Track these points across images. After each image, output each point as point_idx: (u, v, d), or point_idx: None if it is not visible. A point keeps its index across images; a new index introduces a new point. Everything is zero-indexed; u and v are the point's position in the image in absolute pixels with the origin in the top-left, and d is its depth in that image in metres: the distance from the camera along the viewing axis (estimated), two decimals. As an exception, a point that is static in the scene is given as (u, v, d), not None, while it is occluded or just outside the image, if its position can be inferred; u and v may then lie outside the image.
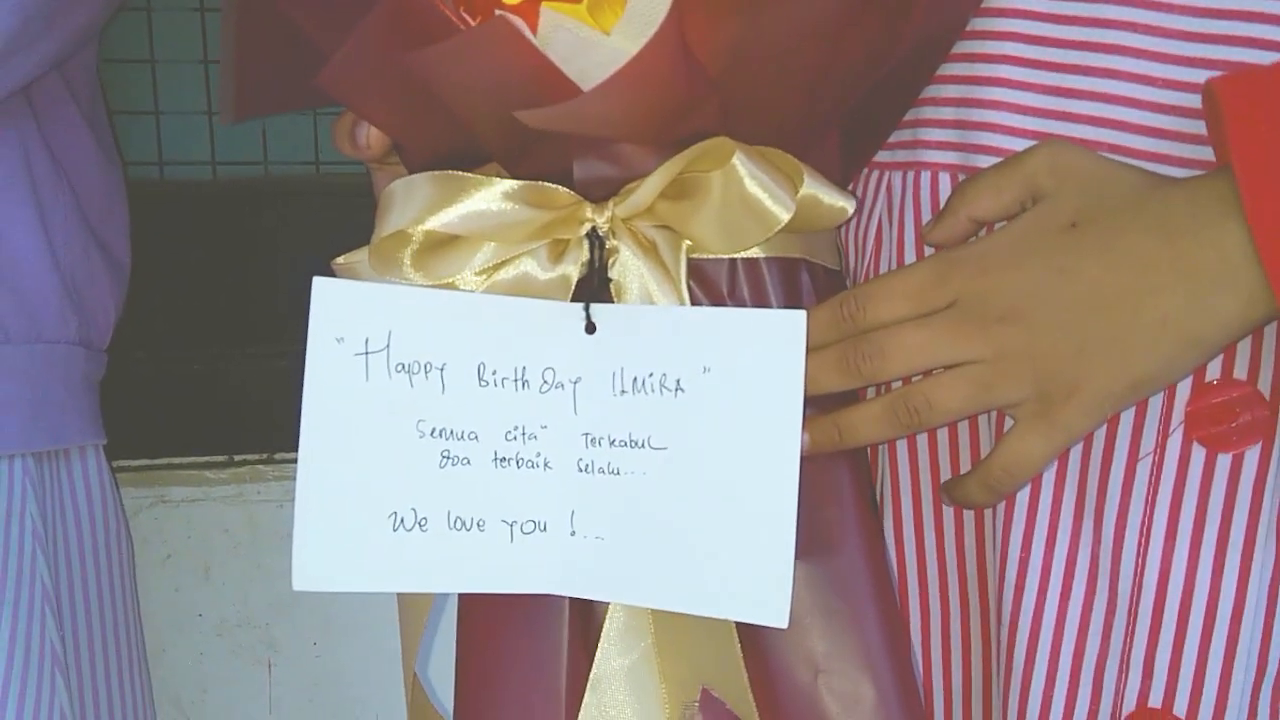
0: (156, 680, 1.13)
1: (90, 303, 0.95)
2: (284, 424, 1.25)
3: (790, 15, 0.54)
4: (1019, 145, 0.62)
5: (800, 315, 0.56)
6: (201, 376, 1.23)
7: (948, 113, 0.65)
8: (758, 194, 0.54)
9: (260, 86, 0.69)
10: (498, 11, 0.56)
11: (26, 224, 0.88)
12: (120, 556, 1.00)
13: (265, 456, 1.26)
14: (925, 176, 0.66)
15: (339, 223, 1.26)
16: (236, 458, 1.26)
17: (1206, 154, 0.58)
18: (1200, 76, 0.57)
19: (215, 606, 1.26)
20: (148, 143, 1.22)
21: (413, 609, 0.69)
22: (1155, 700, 0.62)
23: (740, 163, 0.54)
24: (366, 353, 0.60)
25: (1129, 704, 0.63)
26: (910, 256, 0.67)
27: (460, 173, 0.61)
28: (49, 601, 0.89)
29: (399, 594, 0.71)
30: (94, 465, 0.97)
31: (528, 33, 0.54)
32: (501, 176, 0.62)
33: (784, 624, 0.56)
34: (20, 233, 0.87)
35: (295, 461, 1.23)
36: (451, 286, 0.62)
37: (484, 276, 0.62)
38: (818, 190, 0.57)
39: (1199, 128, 0.57)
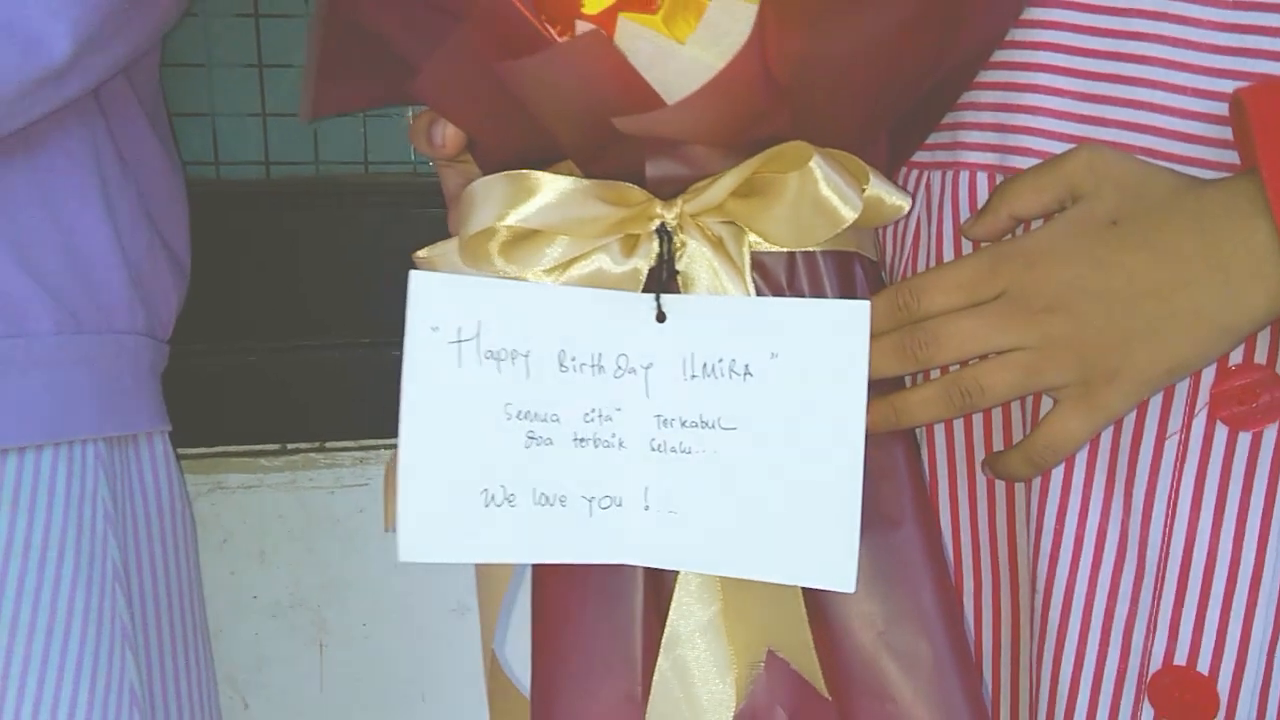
0: (213, 658, 1.17)
1: (154, 295, 0.98)
2: (334, 414, 1.30)
3: (855, 30, 0.58)
4: (1055, 148, 0.66)
5: (864, 305, 0.60)
6: (256, 369, 1.26)
7: (986, 116, 0.69)
8: (829, 195, 0.59)
9: (339, 86, 0.73)
10: (589, 25, 0.61)
11: (96, 220, 0.91)
12: (185, 539, 1.03)
13: (317, 445, 1.30)
14: (964, 176, 0.70)
15: (386, 220, 1.30)
16: (289, 446, 1.29)
17: (1233, 158, 0.62)
18: (1227, 86, 0.61)
19: (269, 589, 1.30)
20: (204, 143, 1.26)
21: (490, 591, 0.74)
22: (1180, 659, 0.66)
23: (817, 166, 0.58)
24: (459, 341, 0.64)
25: (1156, 663, 0.67)
26: (949, 251, 0.71)
27: (540, 172, 0.65)
28: (119, 580, 0.92)
29: (478, 578, 0.75)
30: (160, 451, 1.00)
31: (613, 44, 0.58)
32: (575, 174, 0.66)
33: (852, 588, 0.60)
34: (91, 228, 0.91)
35: (344, 450, 1.27)
36: (533, 279, 0.66)
37: (561, 270, 0.66)
38: (881, 190, 0.61)
39: (1226, 134, 0.62)
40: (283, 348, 1.28)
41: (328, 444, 1.30)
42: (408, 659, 1.36)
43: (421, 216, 1.29)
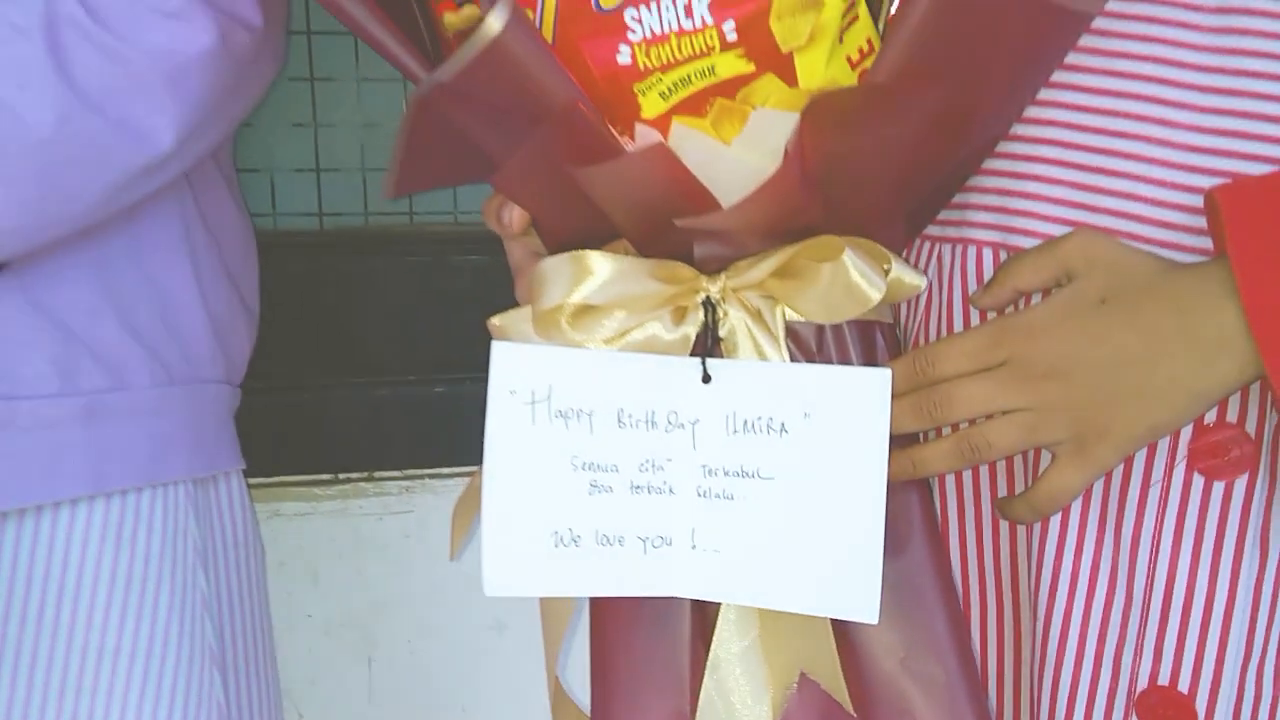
0: (275, 674, 1.24)
1: (232, 346, 1.06)
2: (381, 446, 1.37)
3: (879, 137, 0.66)
4: (1053, 230, 0.74)
5: (886, 373, 0.68)
6: (310, 404, 1.33)
7: (991, 199, 0.77)
8: (859, 281, 0.67)
9: (421, 169, 0.81)
10: (649, 128, 0.69)
11: (185, 281, 0.99)
12: (258, 568, 1.11)
13: (366, 475, 1.37)
14: (971, 251, 0.78)
15: (430, 267, 1.37)
16: (341, 476, 1.37)
17: (1206, 244, 0.70)
18: (1202, 181, 0.69)
19: (322, 608, 1.37)
20: (263, 196, 1.34)
21: (553, 622, 0.81)
22: (1164, 679, 0.74)
23: (849, 258, 0.66)
24: (533, 402, 0.71)
25: (1142, 682, 0.75)
26: (958, 317, 0.79)
27: (601, 253, 0.72)
28: (207, 608, 1.00)
29: (542, 610, 0.83)
30: (236, 487, 1.08)
31: (673, 150, 0.66)
32: (630, 252, 0.74)
33: (875, 620, 0.68)
34: (181, 290, 0.98)
35: (391, 479, 1.35)
36: (595, 346, 0.74)
37: (620, 337, 0.74)
38: (901, 272, 0.69)
39: (1201, 222, 0.70)
40: (334, 385, 1.36)
41: (376, 474, 1.38)
42: (450, 673, 1.43)
43: (463, 264, 1.36)
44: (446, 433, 1.38)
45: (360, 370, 1.36)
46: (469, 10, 0.79)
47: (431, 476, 1.39)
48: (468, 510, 0.88)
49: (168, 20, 0.84)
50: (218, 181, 1.05)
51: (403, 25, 0.79)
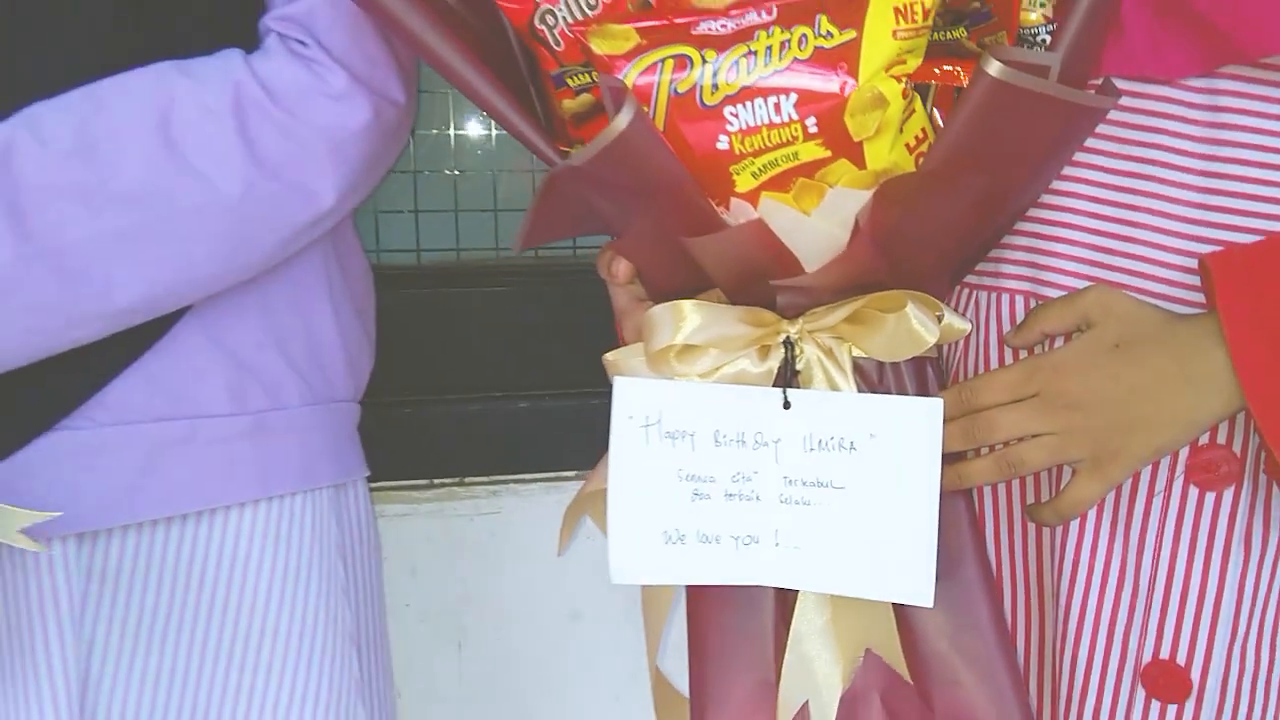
0: (379, 656, 1.37)
1: (359, 369, 1.19)
2: (472, 455, 1.51)
3: (931, 213, 0.79)
4: (1074, 283, 0.87)
5: (939, 402, 0.82)
6: (410, 418, 1.46)
7: (1022, 255, 0.90)
8: (918, 328, 0.80)
9: (546, 228, 0.94)
10: (743, 201, 0.82)
11: (326, 316, 1.11)
12: (378, 560, 1.24)
13: (458, 480, 1.51)
14: (1005, 298, 0.91)
15: (514, 297, 1.51)
16: (436, 481, 1.50)
17: (1201, 298, 0.83)
18: (1198, 248, 0.83)
19: (418, 599, 1.50)
20: (368, 234, 1.47)
21: (654, 618, 0.94)
22: (1164, 654, 0.87)
23: (911, 310, 0.79)
24: (647, 425, 0.85)
25: (1146, 657, 0.88)
26: (994, 354, 0.92)
27: (700, 302, 0.86)
28: (346, 596, 1.13)
29: (644, 609, 0.96)
30: (363, 492, 1.20)
31: (769, 225, 0.79)
32: (722, 300, 0.87)
33: (930, 604, 0.81)
34: (323, 323, 1.11)
35: (480, 484, 1.47)
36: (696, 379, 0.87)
37: (715, 370, 0.87)
38: (951, 319, 0.82)
39: (1197, 282, 0.83)
40: (430, 401, 1.49)
41: (466, 479, 1.51)
42: (531, 657, 1.55)
43: (542, 294, 1.49)
44: (529, 443, 1.51)
45: (452, 388, 1.49)
46: (584, 98, 0.93)
47: (516, 482, 1.52)
48: (575, 514, 1.01)
49: (333, 101, 0.97)
50: (348, 227, 1.18)
51: (520, 97, 0.92)
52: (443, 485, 1.51)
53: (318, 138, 0.97)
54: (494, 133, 1.51)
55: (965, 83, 0.83)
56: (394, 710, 1.24)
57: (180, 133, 0.94)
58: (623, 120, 0.78)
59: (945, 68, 0.83)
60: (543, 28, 0.89)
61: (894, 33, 0.79)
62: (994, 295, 0.92)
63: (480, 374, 1.50)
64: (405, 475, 1.47)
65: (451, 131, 1.47)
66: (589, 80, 0.90)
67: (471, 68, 0.89)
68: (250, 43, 1.00)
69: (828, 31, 0.79)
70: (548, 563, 1.51)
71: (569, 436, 1.51)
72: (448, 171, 1.48)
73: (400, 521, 1.46)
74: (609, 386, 1.38)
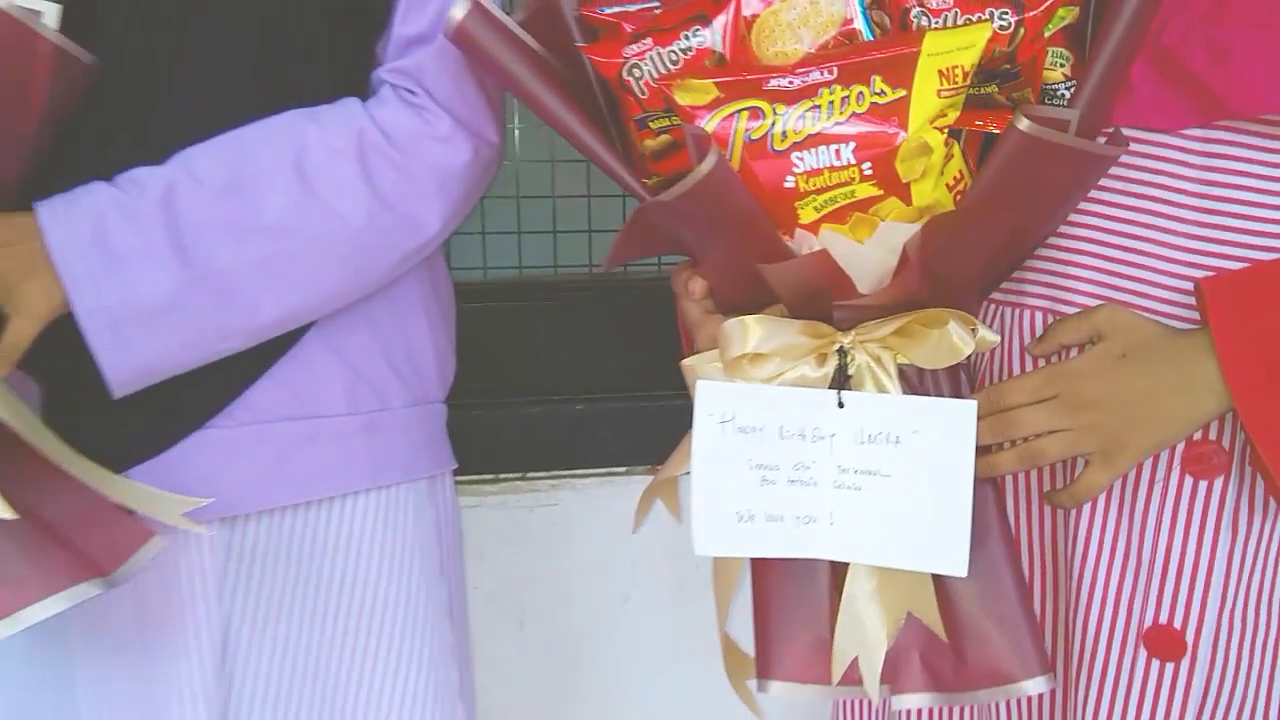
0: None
1: (445, 373, 1.30)
2: (533, 453, 1.63)
3: (967, 244, 0.92)
4: (1087, 300, 0.99)
5: (973, 404, 0.94)
6: (478, 419, 1.58)
7: (1041, 277, 1.02)
8: (957, 342, 0.92)
9: (631, 250, 1.06)
10: (806, 232, 0.94)
11: (422, 327, 1.22)
12: (461, 544, 1.35)
13: (521, 476, 1.63)
14: (1026, 313, 1.03)
15: (572, 309, 1.63)
16: (501, 476, 1.62)
17: (1195, 315, 0.95)
18: (1194, 273, 0.95)
19: (485, 581, 1.62)
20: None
21: (724, 591, 1.05)
22: (1163, 620, 0.99)
23: (953, 328, 0.92)
24: (724, 422, 0.97)
25: (1147, 622, 0.99)
26: (1015, 361, 1.03)
27: (767, 316, 0.97)
28: (440, 573, 1.25)
29: (715, 579, 1.07)
30: (450, 483, 1.31)
31: (833, 256, 0.91)
32: (785, 314, 0.99)
33: (964, 574, 0.94)
34: (420, 333, 1.22)
35: (543, 479, 1.60)
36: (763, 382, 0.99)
37: (779, 375, 0.99)
38: (984, 333, 0.94)
39: (1193, 301, 0.95)
40: (496, 404, 1.61)
41: (529, 475, 1.63)
42: (585, 635, 1.68)
43: (599, 307, 1.62)
44: (585, 442, 1.64)
45: (515, 392, 1.62)
46: (663, 138, 1.05)
47: (572, 477, 1.64)
48: (650, 499, 1.13)
49: (439, 143, 1.10)
50: (438, 251, 1.30)
51: (605, 134, 1.04)
52: (507, 480, 1.62)
53: (427, 174, 1.09)
54: (553, 163, 1.63)
55: (995, 130, 0.95)
56: (473, 676, 1.35)
57: (312, 172, 1.06)
58: (707, 165, 0.90)
59: (979, 121, 0.95)
60: (630, 79, 1.01)
61: (938, 91, 0.91)
62: (1017, 311, 1.04)
63: (540, 380, 1.62)
64: (473, 471, 1.58)
65: (515, 162, 1.58)
66: (668, 123, 1.02)
67: (568, 111, 1.01)
68: (363, 90, 1.13)
69: (881, 90, 0.92)
70: (601, 550, 1.63)
71: (621, 436, 1.63)
72: (511, 198, 1.59)
73: (469, 512, 1.57)
74: (657, 391, 1.51)
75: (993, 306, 1.06)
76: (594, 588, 1.65)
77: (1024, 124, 0.87)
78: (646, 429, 1.60)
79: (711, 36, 0.99)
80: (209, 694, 1.13)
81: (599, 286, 1.65)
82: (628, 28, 1.03)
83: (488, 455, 1.60)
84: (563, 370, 1.62)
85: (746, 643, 1.05)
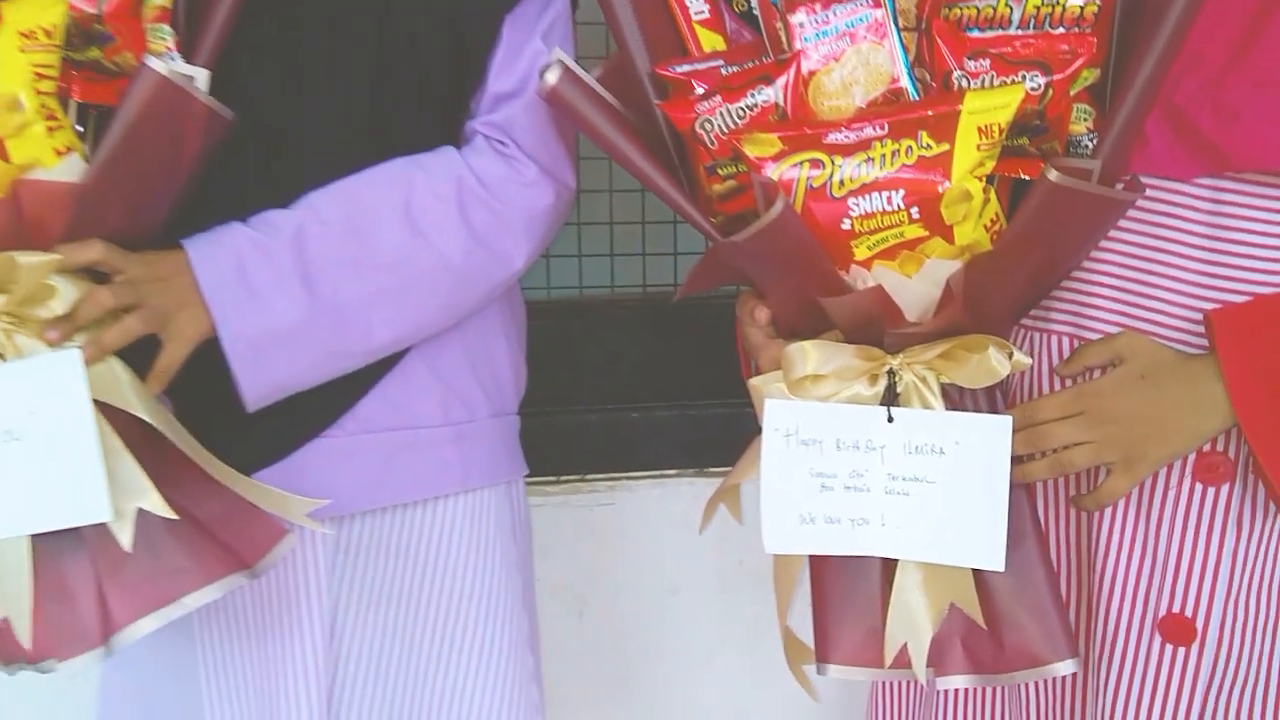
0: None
1: (520, 387, 1.40)
2: (592, 455, 1.73)
3: (1003, 278, 1.02)
4: (1109, 327, 1.09)
5: (1009, 419, 1.04)
6: (542, 426, 1.66)
7: (1067, 304, 1.12)
8: (995, 365, 1.02)
9: (700, 282, 1.16)
10: (860, 268, 1.04)
11: (502, 346, 1.32)
12: (531, 541, 1.46)
13: (580, 477, 1.73)
14: (1053, 338, 1.13)
15: (627, 324, 1.73)
16: (562, 478, 1.72)
17: (1205, 341, 1.06)
18: (1204, 305, 1.05)
19: (548, 574, 1.71)
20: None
21: (785, 589, 1.14)
22: (1175, 609, 1.10)
23: (992, 353, 1.02)
24: (788, 435, 1.07)
25: (1162, 611, 1.10)
26: (1045, 381, 1.13)
27: (825, 341, 1.08)
28: (518, 567, 1.35)
29: (776, 577, 1.16)
30: (522, 486, 1.42)
31: (887, 291, 1.02)
32: (840, 339, 1.09)
33: (1002, 569, 1.04)
34: (501, 351, 1.32)
35: (601, 480, 1.70)
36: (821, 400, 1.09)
37: (835, 394, 1.09)
38: (1019, 356, 1.05)
39: (1203, 330, 1.05)
40: (558, 411, 1.71)
41: (588, 476, 1.73)
42: (638, 623, 1.78)
43: (652, 322, 1.72)
44: (639, 447, 1.74)
45: (576, 401, 1.72)
46: (730, 183, 1.14)
47: (628, 478, 1.74)
48: (715, 503, 1.23)
49: (526, 188, 1.20)
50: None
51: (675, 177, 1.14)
52: (568, 481, 1.72)
53: (516, 216, 1.20)
54: (611, 192, 1.73)
55: (1026, 176, 1.06)
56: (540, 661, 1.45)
57: (419, 214, 1.17)
58: (775, 211, 1.01)
59: (1013, 170, 1.05)
60: (701, 132, 1.11)
61: (977, 145, 1.01)
62: (1044, 336, 1.14)
63: (598, 390, 1.72)
64: (538, 472, 1.67)
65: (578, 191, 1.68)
66: (734, 170, 1.12)
67: (646, 160, 1.12)
68: (458, 138, 1.23)
69: (927, 144, 1.02)
70: (653, 545, 1.73)
71: (671, 441, 1.74)
72: (572, 224, 1.69)
73: (534, 511, 1.65)
74: (704, 400, 1.61)
75: (1022, 331, 1.16)
76: (646, 580, 1.75)
77: (1053, 175, 0.97)
78: (694, 435, 1.71)
79: (774, 94, 1.09)
80: (319, 671, 1.24)
81: (652, 305, 1.75)
82: (696, 84, 1.13)
83: (551, 458, 1.69)
84: (619, 382, 1.72)
85: (802, 634, 1.16)
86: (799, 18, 1.09)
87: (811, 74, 1.09)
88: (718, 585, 1.77)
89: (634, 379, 1.72)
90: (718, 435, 1.70)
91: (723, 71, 1.15)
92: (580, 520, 1.73)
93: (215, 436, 1.14)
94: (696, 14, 1.21)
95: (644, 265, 1.77)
